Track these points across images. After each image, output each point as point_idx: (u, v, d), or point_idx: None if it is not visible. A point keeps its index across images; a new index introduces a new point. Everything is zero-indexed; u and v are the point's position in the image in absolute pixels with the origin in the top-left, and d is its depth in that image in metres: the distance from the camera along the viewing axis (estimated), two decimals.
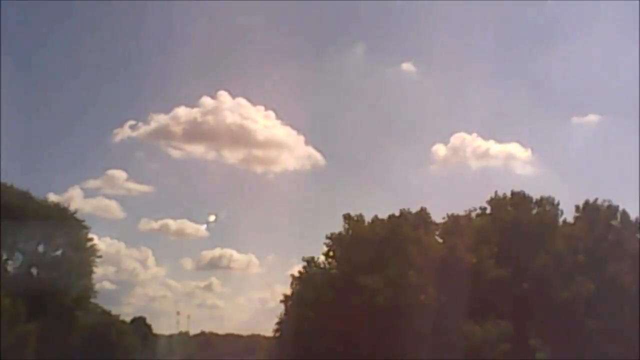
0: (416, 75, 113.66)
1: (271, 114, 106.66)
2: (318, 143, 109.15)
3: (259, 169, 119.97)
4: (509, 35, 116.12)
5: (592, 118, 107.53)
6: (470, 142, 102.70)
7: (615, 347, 49.30)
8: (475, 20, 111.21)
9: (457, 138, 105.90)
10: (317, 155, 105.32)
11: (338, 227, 61.95)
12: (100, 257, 63.77)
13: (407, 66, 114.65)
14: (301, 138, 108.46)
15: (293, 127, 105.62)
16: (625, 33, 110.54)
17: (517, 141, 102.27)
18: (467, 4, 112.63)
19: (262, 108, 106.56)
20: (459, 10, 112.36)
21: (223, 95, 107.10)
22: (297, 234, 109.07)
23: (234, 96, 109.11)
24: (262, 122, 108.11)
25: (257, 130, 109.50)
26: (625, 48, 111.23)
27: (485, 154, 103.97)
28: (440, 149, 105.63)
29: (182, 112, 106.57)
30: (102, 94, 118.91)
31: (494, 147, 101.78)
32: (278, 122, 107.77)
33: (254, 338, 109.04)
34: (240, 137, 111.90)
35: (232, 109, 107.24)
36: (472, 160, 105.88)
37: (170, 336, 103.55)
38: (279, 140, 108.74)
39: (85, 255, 61.43)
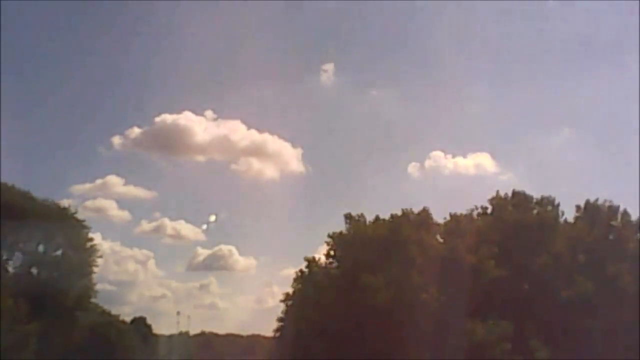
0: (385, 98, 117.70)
1: (254, 129, 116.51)
2: (303, 154, 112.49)
3: (249, 175, 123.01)
4: (475, 57, 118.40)
5: (562, 133, 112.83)
6: (444, 159, 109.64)
7: (615, 347, 49.32)
8: (441, 45, 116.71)
9: (432, 156, 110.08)
10: (302, 166, 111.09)
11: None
12: (100, 257, 63.80)
13: (376, 91, 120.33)
14: (288, 149, 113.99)
15: (279, 137, 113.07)
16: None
17: (488, 155, 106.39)
18: (431, 28, 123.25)
19: (240, 122, 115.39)
20: (423, 35, 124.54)
21: (207, 112, 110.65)
22: (295, 235, 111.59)
23: (216, 112, 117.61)
24: (244, 134, 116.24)
25: (242, 141, 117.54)
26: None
27: (458, 167, 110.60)
28: (414, 167, 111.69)
29: (170, 122, 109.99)
30: (99, 101, 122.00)
31: (467, 162, 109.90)
32: (259, 134, 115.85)
33: (254, 338, 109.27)
34: (228, 146, 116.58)
35: (215, 123, 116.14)
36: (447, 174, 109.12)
37: (170, 336, 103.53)
38: (264, 150, 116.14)
39: (85, 255, 61.29)
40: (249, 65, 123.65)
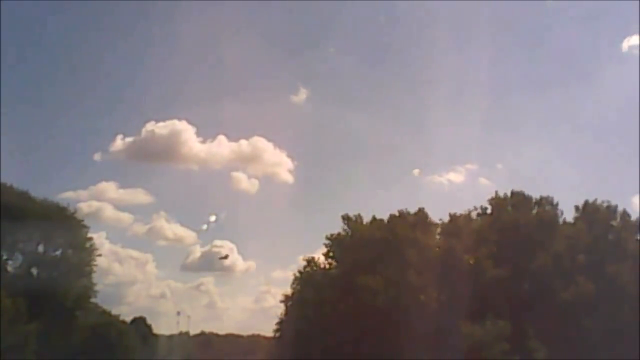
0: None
1: (243, 139, 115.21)
2: (293, 164, 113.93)
3: (242, 181, 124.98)
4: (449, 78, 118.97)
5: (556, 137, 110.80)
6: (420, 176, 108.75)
7: (615, 347, 49.24)
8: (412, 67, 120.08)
9: (413, 174, 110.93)
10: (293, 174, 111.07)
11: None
12: (100, 256, 63.78)
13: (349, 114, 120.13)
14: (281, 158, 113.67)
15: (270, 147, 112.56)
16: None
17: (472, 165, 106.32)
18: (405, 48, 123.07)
19: (228, 131, 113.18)
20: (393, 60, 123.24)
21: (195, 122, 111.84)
22: (293, 236, 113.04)
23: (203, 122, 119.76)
24: (234, 143, 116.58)
25: (233, 149, 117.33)
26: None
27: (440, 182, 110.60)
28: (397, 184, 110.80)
29: (160, 131, 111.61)
30: (90, 109, 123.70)
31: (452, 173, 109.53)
32: (248, 144, 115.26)
33: (254, 338, 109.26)
34: (218, 154, 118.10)
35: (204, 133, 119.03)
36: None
37: (170, 336, 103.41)
38: (255, 158, 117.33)
39: (85, 255, 61.29)
40: (230, 82, 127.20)
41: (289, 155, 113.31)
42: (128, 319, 79.89)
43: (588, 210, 59.24)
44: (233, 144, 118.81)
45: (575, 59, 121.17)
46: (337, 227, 62.15)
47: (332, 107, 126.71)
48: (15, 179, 61.14)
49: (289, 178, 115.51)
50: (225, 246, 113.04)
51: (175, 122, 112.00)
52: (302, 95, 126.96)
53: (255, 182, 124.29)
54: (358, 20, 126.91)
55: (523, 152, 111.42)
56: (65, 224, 60.09)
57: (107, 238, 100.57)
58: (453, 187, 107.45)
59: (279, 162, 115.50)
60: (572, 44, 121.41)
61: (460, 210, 61.08)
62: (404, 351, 50.51)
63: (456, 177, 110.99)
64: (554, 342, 50.32)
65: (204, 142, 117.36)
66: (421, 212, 60.26)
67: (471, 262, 54.19)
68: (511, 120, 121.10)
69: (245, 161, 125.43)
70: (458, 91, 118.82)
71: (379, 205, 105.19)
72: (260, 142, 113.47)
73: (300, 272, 64.19)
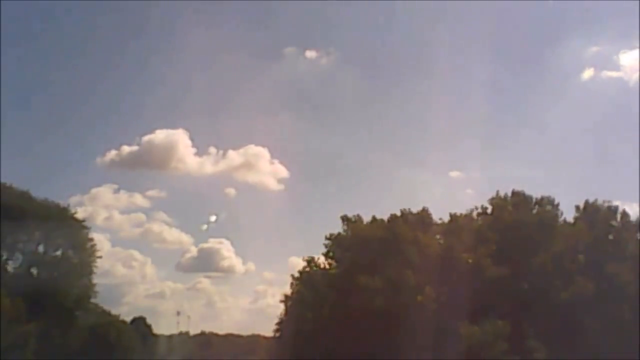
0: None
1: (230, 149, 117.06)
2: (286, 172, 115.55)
3: (237, 186, 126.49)
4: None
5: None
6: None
7: (615, 347, 49.24)
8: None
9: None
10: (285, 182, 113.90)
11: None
12: (100, 257, 63.81)
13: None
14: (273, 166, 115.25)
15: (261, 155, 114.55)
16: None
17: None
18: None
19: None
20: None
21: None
22: (292, 237, 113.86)
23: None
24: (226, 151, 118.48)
25: (227, 156, 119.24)
26: None
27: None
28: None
29: (157, 141, 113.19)
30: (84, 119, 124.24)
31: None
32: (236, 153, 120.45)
33: (254, 338, 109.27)
34: (213, 162, 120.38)
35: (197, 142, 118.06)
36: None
37: (170, 336, 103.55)
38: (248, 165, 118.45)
39: (85, 255, 61.41)
40: (226, 93, 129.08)
41: (282, 163, 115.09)
42: (128, 319, 79.99)
43: (588, 210, 59.25)
44: (228, 152, 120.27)
45: (573, 58, 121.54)
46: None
47: (321, 116, 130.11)
48: (16, 180, 61.41)
49: (283, 184, 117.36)
50: (223, 243, 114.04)
51: (173, 130, 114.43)
52: (295, 104, 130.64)
53: (250, 186, 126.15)
54: (350, 25, 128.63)
55: (510, 157, 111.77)
56: (65, 225, 60.22)
57: (108, 240, 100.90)
58: (444, 190, 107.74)
59: (274, 170, 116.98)
60: (569, 43, 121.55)
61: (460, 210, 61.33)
62: (404, 351, 50.51)
63: (445, 181, 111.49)
64: (554, 342, 50.29)
65: (200, 149, 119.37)
66: (424, 212, 60.30)
67: (470, 261, 54.09)
68: (502, 127, 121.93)
69: (240, 167, 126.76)
70: (450, 97, 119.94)
71: (370, 209, 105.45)
72: (255, 150, 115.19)
73: (300, 272, 64.23)
